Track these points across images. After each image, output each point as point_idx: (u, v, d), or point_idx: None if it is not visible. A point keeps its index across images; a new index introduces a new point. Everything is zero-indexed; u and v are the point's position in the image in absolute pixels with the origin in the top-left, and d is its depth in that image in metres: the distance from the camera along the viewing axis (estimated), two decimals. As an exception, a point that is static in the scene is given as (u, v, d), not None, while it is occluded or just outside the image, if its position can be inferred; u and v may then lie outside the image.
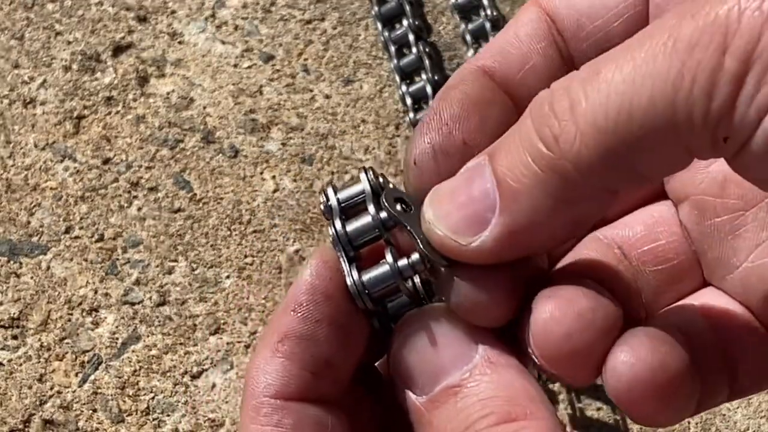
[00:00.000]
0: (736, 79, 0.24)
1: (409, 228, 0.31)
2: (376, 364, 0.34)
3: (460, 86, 0.32)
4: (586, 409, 0.67)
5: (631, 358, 0.29)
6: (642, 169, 0.27)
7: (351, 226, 0.32)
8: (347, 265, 0.32)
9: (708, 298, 0.33)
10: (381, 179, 0.33)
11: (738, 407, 0.67)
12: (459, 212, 0.29)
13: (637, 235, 0.34)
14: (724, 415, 0.67)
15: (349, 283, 0.31)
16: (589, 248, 0.34)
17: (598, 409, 0.67)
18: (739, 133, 0.25)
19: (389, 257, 0.31)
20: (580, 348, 0.29)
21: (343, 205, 0.32)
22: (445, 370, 0.30)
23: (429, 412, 0.30)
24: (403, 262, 0.31)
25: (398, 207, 0.32)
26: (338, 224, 0.32)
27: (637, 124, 0.25)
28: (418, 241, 0.31)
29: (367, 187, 0.32)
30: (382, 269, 0.31)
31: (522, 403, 0.29)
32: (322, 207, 0.33)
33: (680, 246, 0.34)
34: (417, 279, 0.32)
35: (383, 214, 0.32)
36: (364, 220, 0.32)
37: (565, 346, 0.29)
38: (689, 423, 0.67)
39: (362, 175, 0.32)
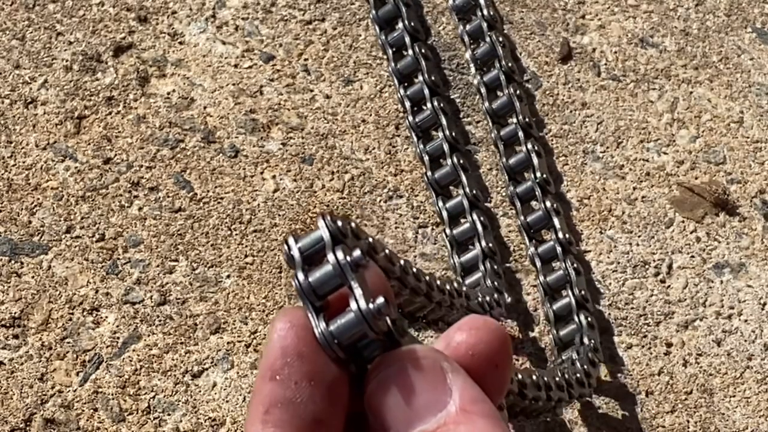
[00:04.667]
0: None
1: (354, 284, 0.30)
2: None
3: None
4: None
5: None
6: None
7: (313, 276, 0.31)
8: (314, 316, 0.31)
9: None
10: (341, 223, 0.32)
11: (737, 406, 0.67)
12: None
13: None
14: (723, 414, 0.67)
15: (317, 334, 0.31)
16: None
17: None
18: None
19: (353, 304, 0.30)
20: None
21: (305, 254, 0.31)
22: (419, 415, 0.30)
23: None
24: (367, 307, 0.30)
25: (356, 253, 0.31)
26: (300, 276, 0.31)
27: None
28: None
29: (326, 234, 0.31)
30: (349, 316, 0.31)
31: None
32: (284, 257, 0.32)
33: None
34: (387, 321, 0.31)
35: (343, 261, 0.31)
36: (326, 268, 0.31)
37: None
38: (688, 422, 0.67)
39: (320, 222, 0.32)
